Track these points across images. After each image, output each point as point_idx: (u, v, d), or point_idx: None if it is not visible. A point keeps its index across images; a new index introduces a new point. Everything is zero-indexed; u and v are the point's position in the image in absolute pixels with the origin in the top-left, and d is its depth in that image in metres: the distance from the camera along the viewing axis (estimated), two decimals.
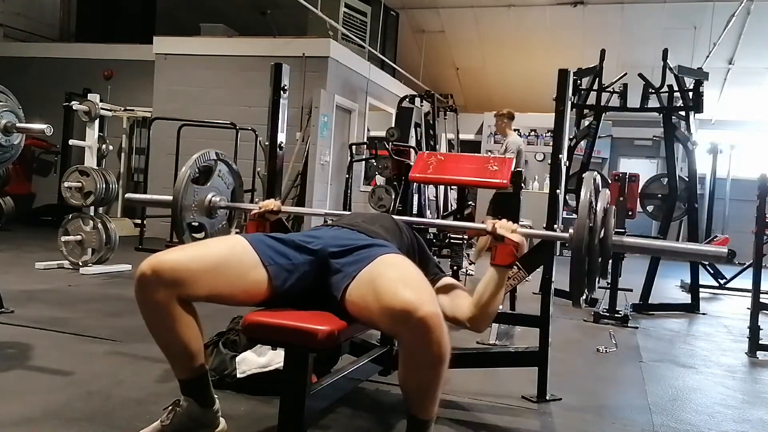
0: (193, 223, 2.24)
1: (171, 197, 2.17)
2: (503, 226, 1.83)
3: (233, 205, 2.39)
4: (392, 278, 1.47)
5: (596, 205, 1.77)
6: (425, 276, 1.61)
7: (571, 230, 1.78)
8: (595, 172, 1.94)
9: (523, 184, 3.63)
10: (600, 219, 1.74)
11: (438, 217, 6.74)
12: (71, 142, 5.13)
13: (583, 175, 1.93)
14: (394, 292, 1.40)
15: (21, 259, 5.00)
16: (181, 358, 1.60)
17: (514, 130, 6.59)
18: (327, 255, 1.65)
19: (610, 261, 4.26)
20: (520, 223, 2.19)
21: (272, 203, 2.14)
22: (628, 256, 4.48)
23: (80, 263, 4.56)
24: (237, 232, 2.12)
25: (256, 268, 1.60)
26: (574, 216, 1.78)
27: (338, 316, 1.55)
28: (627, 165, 10.82)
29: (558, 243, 2.25)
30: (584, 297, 1.79)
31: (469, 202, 6.55)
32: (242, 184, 2.46)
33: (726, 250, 1.78)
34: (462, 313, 1.80)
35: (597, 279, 1.80)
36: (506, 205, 5.82)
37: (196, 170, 2.23)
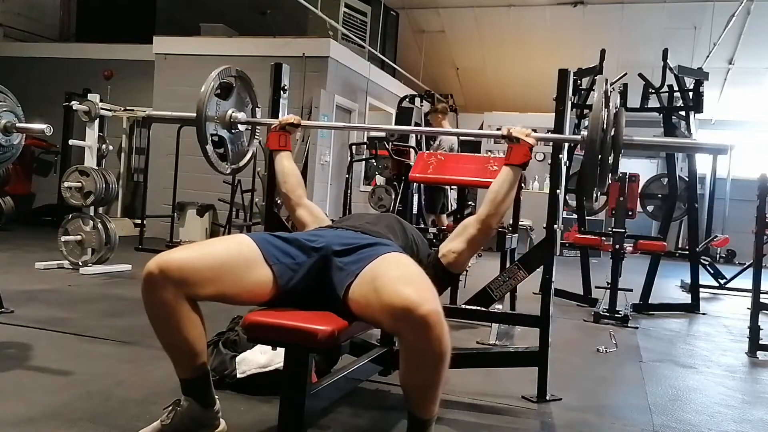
0: (214, 138, 2.28)
1: (194, 114, 2.20)
2: (518, 131, 2.00)
3: (253, 121, 2.44)
4: (394, 276, 1.48)
5: (609, 105, 1.90)
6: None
7: (584, 131, 1.95)
8: (606, 79, 2.11)
9: (523, 184, 3.63)
10: (612, 117, 1.89)
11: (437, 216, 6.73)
12: (71, 142, 5.13)
13: (595, 77, 2.14)
14: (396, 289, 1.40)
15: (21, 259, 5.00)
16: (185, 358, 1.61)
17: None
18: (330, 254, 1.66)
19: (610, 261, 4.29)
20: (520, 223, 2.20)
21: (292, 117, 2.28)
22: (628, 255, 4.48)
23: (80, 263, 4.56)
24: (246, 230, 2.12)
25: (261, 267, 1.60)
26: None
27: (341, 315, 1.56)
28: (627, 165, 10.79)
29: (558, 242, 2.25)
30: (594, 194, 1.91)
31: (469, 202, 6.55)
32: (257, 105, 2.49)
33: (728, 146, 1.91)
34: (473, 226, 1.90)
35: (608, 175, 1.94)
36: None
37: (217, 85, 2.26)
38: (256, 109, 2.48)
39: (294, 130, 2.29)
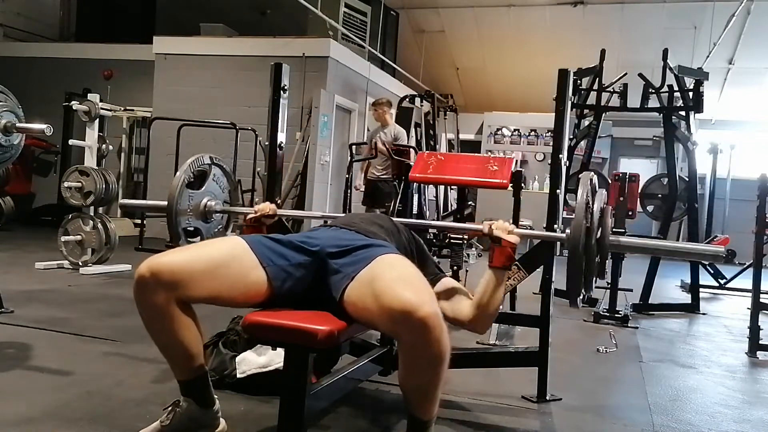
0: (188, 228, 2.23)
1: (165, 203, 2.16)
2: (500, 227, 1.85)
3: (229, 209, 2.38)
4: (391, 278, 1.47)
5: (593, 205, 1.77)
6: (424, 276, 1.62)
7: (567, 230, 1.80)
8: (592, 173, 1.95)
9: (523, 184, 3.63)
10: (597, 219, 1.75)
11: (438, 218, 6.73)
12: (71, 142, 5.13)
13: (580, 175, 1.94)
14: (394, 292, 1.40)
15: (21, 259, 5.00)
16: (181, 360, 1.60)
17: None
18: (326, 256, 1.65)
19: (610, 261, 4.29)
20: (520, 223, 2.19)
21: (268, 207, 2.15)
22: (628, 256, 4.47)
23: (80, 263, 4.56)
24: (239, 233, 2.12)
25: (255, 269, 1.60)
26: (574, 216, 1.78)
27: (337, 317, 1.55)
28: (627, 165, 10.81)
29: (558, 243, 2.25)
30: (581, 297, 1.80)
31: (469, 203, 6.55)
32: (237, 188, 2.45)
33: (724, 250, 1.78)
34: (463, 315, 1.81)
35: (594, 279, 1.82)
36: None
37: (191, 174, 2.23)
38: (234, 191, 2.43)
39: (269, 221, 2.18)
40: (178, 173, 2.18)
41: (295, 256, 1.66)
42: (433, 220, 6.61)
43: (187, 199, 2.22)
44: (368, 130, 8.70)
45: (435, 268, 1.99)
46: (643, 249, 1.95)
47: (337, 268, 1.62)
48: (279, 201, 2.40)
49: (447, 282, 1.92)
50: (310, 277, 1.65)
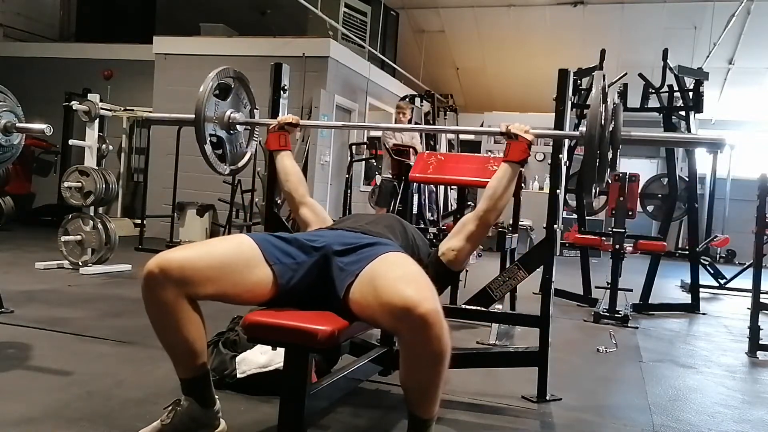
0: (212, 139, 2.27)
1: (193, 115, 2.19)
2: (517, 127, 2.01)
3: (252, 121, 2.43)
4: (393, 276, 1.48)
5: (607, 100, 1.91)
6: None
7: (582, 128, 1.94)
8: (604, 72, 2.12)
9: (523, 184, 3.63)
10: (610, 112, 1.89)
11: (438, 218, 6.73)
12: (71, 142, 5.12)
13: (593, 73, 2.07)
14: (395, 289, 1.40)
15: (21, 259, 5.00)
16: (185, 357, 1.61)
17: None
18: (331, 253, 1.66)
19: (611, 261, 4.29)
20: (519, 223, 2.20)
21: (290, 117, 2.28)
22: (628, 255, 4.48)
23: (80, 263, 4.56)
24: (244, 231, 2.12)
25: (261, 266, 1.60)
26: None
27: (341, 315, 1.56)
28: (627, 165, 10.82)
29: (558, 242, 2.25)
30: (594, 190, 1.92)
31: (469, 203, 6.54)
32: (256, 107, 2.48)
33: (725, 139, 1.95)
34: (472, 220, 1.92)
35: (607, 171, 1.94)
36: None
37: (216, 85, 2.26)
38: (255, 110, 2.48)
39: (293, 129, 2.28)
40: (205, 82, 2.20)
41: (301, 254, 1.67)
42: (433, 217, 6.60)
43: (213, 107, 2.25)
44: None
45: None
46: (651, 141, 2.23)
47: (342, 266, 1.62)
48: (279, 201, 2.41)
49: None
50: (316, 275, 1.66)
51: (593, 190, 2.04)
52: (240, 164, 2.47)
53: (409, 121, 6.85)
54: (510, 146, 1.99)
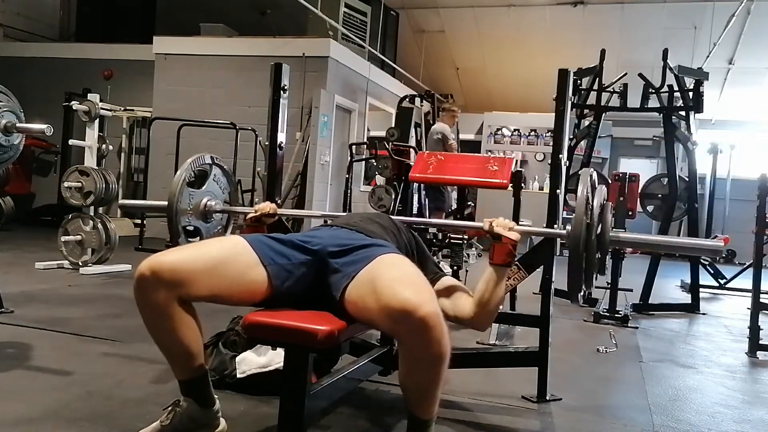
0: (188, 228, 2.23)
1: (166, 202, 2.16)
2: (500, 224, 1.84)
3: (229, 209, 2.37)
4: (391, 278, 1.47)
5: (593, 202, 1.78)
6: (425, 276, 1.62)
7: (568, 227, 1.80)
8: (592, 170, 1.96)
9: (523, 184, 3.63)
10: (597, 215, 1.76)
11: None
12: (71, 142, 5.13)
13: (580, 171, 1.94)
14: (394, 291, 1.40)
15: (21, 259, 5.00)
16: (181, 359, 1.60)
17: None
18: (326, 255, 1.65)
19: (610, 260, 4.29)
20: (520, 223, 2.19)
21: (268, 206, 2.13)
22: (628, 255, 4.48)
23: (80, 263, 4.56)
24: (239, 233, 2.11)
25: (255, 268, 1.60)
26: (574, 212, 1.79)
27: (338, 316, 1.55)
28: (627, 165, 10.82)
29: (558, 242, 2.25)
30: (582, 293, 1.81)
31: (469, 203, 6.55)
32: (237, 189, 2.44)
33: (723, 245, 1.79)
34: (464, 312, 1.81)
35: (594, 275, 1.82)
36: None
37: (192, 174, 2.23)
38: (235, 191, 2.43)
39: (270, 220, 2.15)
40: (178, 172, 2.18)
41: (296, 255, 1.66)
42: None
43: (187, 198, 2.21)
44: (368, 130, 8.70)
45: (435, 268, 1.99)
46: (643, 244, 1.97)
47: (338, 267, 1.62)
48: (279, 201, 2.40)
49: (447, 281, 1.92)
50: (311, 276, 1.65)
51: (581, 293, 1.83)
52: None
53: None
54: (494, 249, 1.82)
